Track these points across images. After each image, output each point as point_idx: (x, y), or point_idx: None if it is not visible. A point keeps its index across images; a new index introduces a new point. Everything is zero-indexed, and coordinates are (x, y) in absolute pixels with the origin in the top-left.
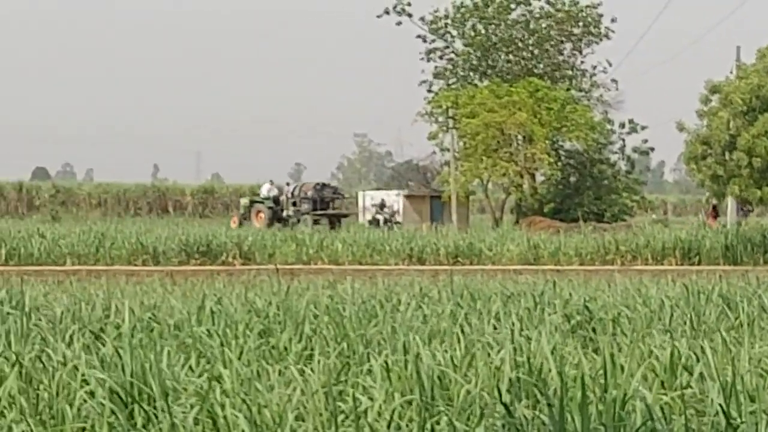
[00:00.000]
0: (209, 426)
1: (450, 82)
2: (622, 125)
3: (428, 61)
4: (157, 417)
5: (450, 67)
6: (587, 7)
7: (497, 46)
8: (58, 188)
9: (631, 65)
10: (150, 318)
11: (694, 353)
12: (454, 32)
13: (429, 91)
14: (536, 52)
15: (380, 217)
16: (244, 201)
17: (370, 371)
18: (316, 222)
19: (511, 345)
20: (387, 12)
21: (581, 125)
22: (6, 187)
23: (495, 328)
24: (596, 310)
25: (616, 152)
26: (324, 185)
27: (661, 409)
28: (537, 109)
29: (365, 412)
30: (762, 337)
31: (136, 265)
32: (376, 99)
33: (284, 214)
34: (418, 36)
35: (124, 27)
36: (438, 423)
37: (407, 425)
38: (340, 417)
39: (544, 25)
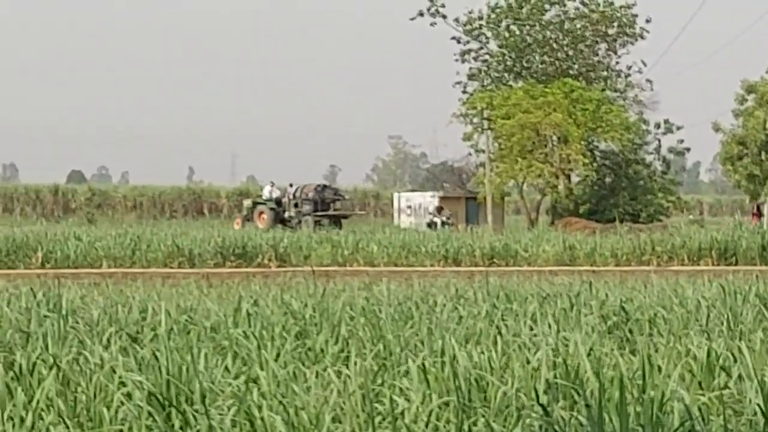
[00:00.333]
0: (246, 428)
1: (485, 83)
2: (658, 126)
3: (463, 62)
4: (194, 419)
5: (485, 68)
6: (622, 7)
7: (532, 47)
8: (93, 191)
9: (667, 65)
10: (186, 320)
11: (732, 353)
12: (489, 33)
13: (464, 92)
14: (571, 52)
15: (437, 220)
16: (247, 203)
17: (406, 373)
18: (317, 223)
19: (548, 346)
20: (421, 14)
21: (616, 126)
22: (42, 190)
23: (531, 329)
24: (633, 310)
25: (651, 153)
26: (325, 187)
27: (699, 409)
28: (572, 109)
29: (402, 413)
30: None
31: (172, 267)
32: (411, 101)
33: (286, 215)
34: (453, 37)
35: (160, 30)
36: (475, 424)
37: (444, 427)
38: (377, 419)
39: (578, 26)
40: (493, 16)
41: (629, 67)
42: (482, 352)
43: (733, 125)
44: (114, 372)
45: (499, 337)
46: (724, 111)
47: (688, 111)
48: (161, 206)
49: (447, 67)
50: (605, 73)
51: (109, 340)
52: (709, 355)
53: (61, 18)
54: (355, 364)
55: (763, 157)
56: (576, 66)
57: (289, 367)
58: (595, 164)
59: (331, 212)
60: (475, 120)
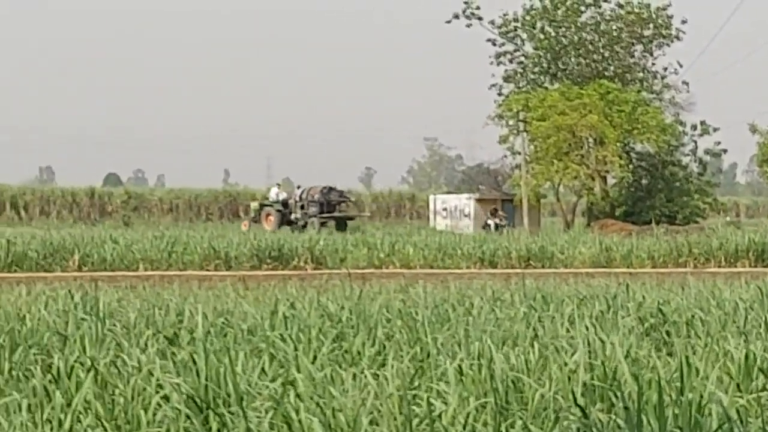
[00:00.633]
0: (284, 430)
1: (520, 85)
2: (694, 127)
3: (498, 64)
4: (232, 422)
5: (520, 70)
6: (658, 8)
7: (567, 49)
8: (130, 194)
9: (703, 66)
10: (223, 323)
11: None
12: (524, 35)
13: (499, 94)
14: (607, 54)
15: (491, 222)
16: (254, 205)
17: (443, 375)
18: (323, 224)
19: (585, 348)
20: (456, 16)
21: (652, 127)
22: (78, 193)
23: (568, 331)
24: (670, 312)
25: (687, 154)
26: (331, 189)
27: (737, 412)
28: (608, 111)
29: (439, 416)
30: None
31: (208, 270)
32: (447, 103)
33: (292, 216)
34: (488, 40)
35: (196, 33)
36: (512, 426)
37: (482, 429)
38: (415, 421)
39: (614, 27)
40: (528, 18)
41: (665, 69)
42: (519, 355)
43: None
44: (151, 375)
45: (535, 340)
46: (761, 112)
47: (724, 112)
48: (197, 209)
49: (483, 70)
50: (641, 75)
51: (146, 343)
52: (747, 357)
53: (99, 24)
54: (392, 366)
55: None
56: (612, 67)
57: (326, 369)
58: (631, 166)
59: (336, 214)
60: (511, 122)
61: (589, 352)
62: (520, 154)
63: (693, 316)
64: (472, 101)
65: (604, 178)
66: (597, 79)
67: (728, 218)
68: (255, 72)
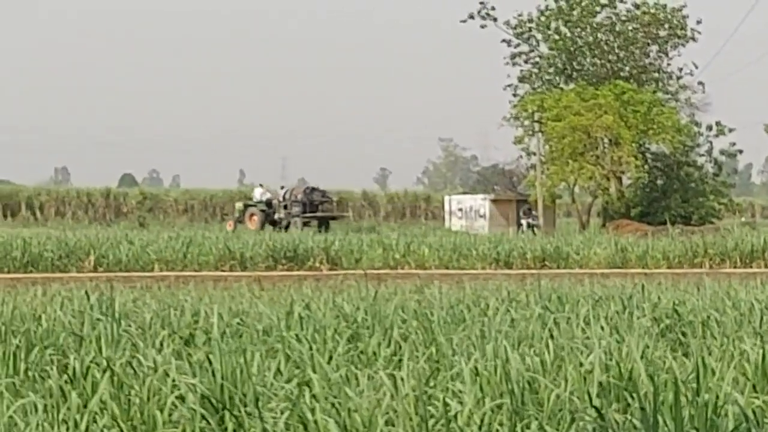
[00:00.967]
0: (300, 431)
1: (535, 85)
2: (709, 128)
3: (513, 65)
4: (248, 422)
5: (535, 70)
6: (673, 9)
7: (582, 49)
8: (145, 195)
9: (719, 67)
10: (238, 323)
11: None
12: (539, 36)
13: (514, 95)
14: (622, 54)
15: (524, 222)
16: (239, 205)
17: (459, 375)
18: (305, 224)
19: (601, 349)
20: (471, 17)
21: (668, 128)
22: (94, 194)
23: (584, 332)
24: (685, 313)
25: (703, 155)
26: (313, 189)
27: (753, 412)
28: (623, 111)
29: (455, 416)
30: None
31: (223, 270)
32: (462, 104)
33: (276, 216)
34: (503, 40)
35: (211, 34)
36: (528, 427)
37: (497, 430)
38: (430, 421)
39: (629, 28)
40: (543, 18)
41: (680, 69)
42: (535, 355)
43: None
44: (167, 375)
45: (551, 340)
46: None
47: (740, 113)
48: (212, 209)
49: (498, 70)
50: (656, 75)
51: (161, 344)
52: (763, 357)
53: (115, 25)
54: (408, 366)
55: None
56: (627, 68)
57: (341, 370)
58: (646, 166)
59: (319, 214)
60: (526, 123)
61: (605, 352)
62: (535, 154)
63: (708, 317)
64: (487, 102)
65: (620, 179)
66: (612, 80)
67: (743, 219)
68: (270, 72)
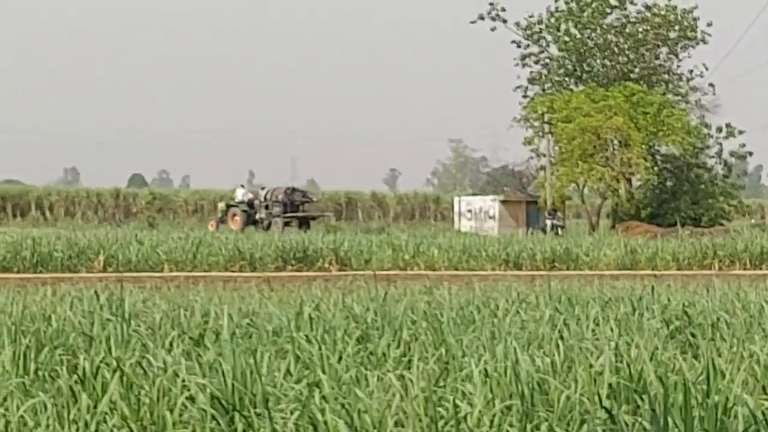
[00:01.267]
0: (309, 431)
1: (545, 87)
2: (719, 129)
3: (523, 66)
4: (258, 423)
5: (545, 72)
6: (684, 11)
7: (592, 51)
8: (154, 195)
9: (729, 69)
10: (248, 324)
11: None
12: (549, 37)
13: (524, 96)
14: (632, 56)
15: (548, 222)
16: (221, 205)
17: (469, 377)
18: (286, 224)
19: (610, 350)
20: (481, 18)
21: (677, 129)
22: (103, 194)
23: (593, 333)
24: (695, 315)
25: (713, 156)
26: (294, 189)
27: (763, 414)
28: (633, 113)
29: (465, 417)
30: None
31: (233, 271)
32: (472, 105)
33: (257, 216)
34: (513, 41)
35: (222, 34)
36: (538, 429)
37: (507, 431)
38: (440, 422)
39: (640, 30)
40: (552, 20)
41: (690, 71)
42: (545, 356)
43: None
44: (177, 375)
45: (561, 342)
46: None
47: (750, 114)
48: None
49: (507, 71)
50: (666, 77)
51: (171, 344)
52: None
53: (123, 26)
54: (418, 367)
55: None
56: (637, 69)
57: (351, 371)
58: (656, 168)
59: (299, 214)
60: (536, 124)
61: (615, 354)
62: (545, 155)
63: (718, 319)
64: (497, 103)
65: (629, 180)
66: (622, 81)
67: (753, 220)
68: (281, 72)
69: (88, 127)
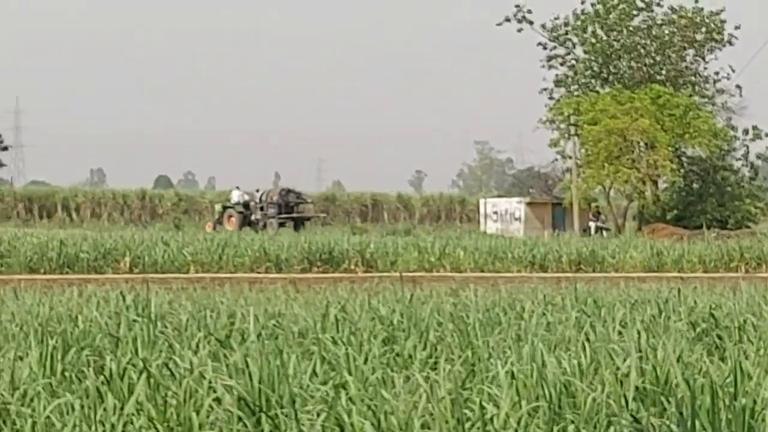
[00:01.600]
0: None
1: (571, 89)
2: (746, 131)
3: (549, 68)
4: (284, 424)
5: (571, 74)
6: (710, 13)
7: (619, 53)
8: (180, 196)
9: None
10: (274, 325)
11: None
12: (575, 39)
13: (550, 98)
14: (658, 58)
15: (592, 225)
16: (218, 207)
17: (495, 379)
18: (281, 225)
19: (637, 353)
20: (508, 20)
21: (704, 132)
22: (130, 195)
23: (620, 336)
24: (721, 317)
25: (739, 159)
26: (288, 191)
27: None
28: (659, 115)
29: (491, 419)
30: None
31: (259, 272)
32: (497, 107)
33: (253, 218)
34: (539, 43)
35: (248, 34)
36: (565, 430)
37: None
38: (467, 424)
39: (666, 32)
40: (579, 22)
41: (717, 73)
42: (571, 359)
43: None
44: (203, 377)
45: (587, 344)
46: None
47: None
48: None
49: (533, 73)
50: (693, 79)
51: (197, 345)
52: None
53: (149, 26)
54: (444, 369)
55: None
56: (663, 72)
57: (377, 372)
58: (682, 170)
59: (294, 215)
60: (562, 126)
61: (641, 356)
62: (570, 158)
63: (745, 321)
64: (523, 105)
65: (655, 183)
66: (648, 83)
67: None
68: (306, 74)
69: (115, 128)
